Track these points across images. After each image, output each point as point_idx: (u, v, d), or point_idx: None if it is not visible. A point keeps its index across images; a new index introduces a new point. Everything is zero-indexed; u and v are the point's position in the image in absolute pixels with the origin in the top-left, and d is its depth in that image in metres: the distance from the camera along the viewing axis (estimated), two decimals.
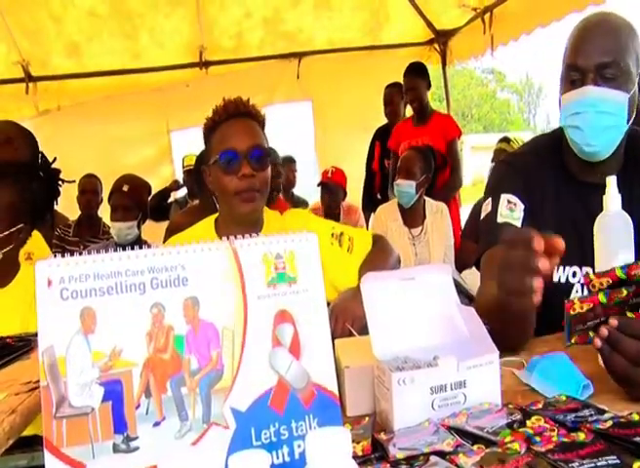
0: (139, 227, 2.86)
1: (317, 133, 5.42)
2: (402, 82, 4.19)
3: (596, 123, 1.28)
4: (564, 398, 0.88)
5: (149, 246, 0.69)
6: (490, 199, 1.42)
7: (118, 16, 4.53)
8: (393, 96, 4.33)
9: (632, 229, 1.13)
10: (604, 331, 0.87)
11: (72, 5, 4.36)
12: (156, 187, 4.24)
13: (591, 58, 1.27)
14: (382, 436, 0.77)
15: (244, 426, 0.65)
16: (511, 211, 1.36)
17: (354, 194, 4.46)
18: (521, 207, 1.37)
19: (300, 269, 0.69)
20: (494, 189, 1.43)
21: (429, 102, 4.09)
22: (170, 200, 4.22)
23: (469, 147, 13.40)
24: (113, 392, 0.62)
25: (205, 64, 5.04)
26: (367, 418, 0.84)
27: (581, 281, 1.36)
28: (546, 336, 1.28)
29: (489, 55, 4.67)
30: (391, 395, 0.77)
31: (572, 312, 1.17)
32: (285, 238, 0.69)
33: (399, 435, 0.76)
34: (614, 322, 0.87)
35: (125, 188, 2.82)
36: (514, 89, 35.32)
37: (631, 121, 1.33)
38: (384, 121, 4.45)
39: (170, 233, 3.22)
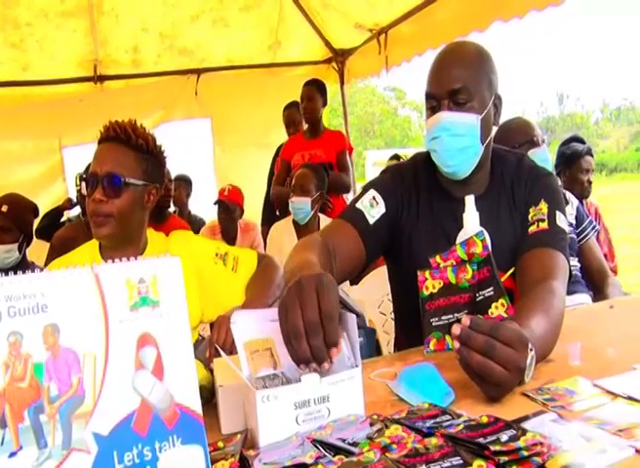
0: (20, 250, 2.68)
1: (216, 150, 5.39)
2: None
3: (450, 145, 1.37)
4: (426, 406, 0.94)
5: (41, 269, 0.68)
6: (363, 189, 1.53)
7: (3, 23, 4.31)
8: (294, 115, 4.36)
9: (489, 245, 1.23)
10: (457, 328, 0.94)
11: None
12: (48, 206, 4.08)
13: (443, 86, 1.37)
14: (251, 452, 0.79)
15: (106, 450, 0.66)
16: (371, 206, 1.46)
17: (255, 211, 4.47)
18: (381, 210, 1.46)
19: (162, 293, 0.71)
20: (369, 184, 1.54)
21: (322, 120, 4.17)
22: (63, 219, 4.06)
23: (371, 163, 13.73)
24: None
25: (100, 79, 4.91)
26: (239, 435, 0.86)
27: None
28: (421, 347, 1.35)
29: (384, 74, 4.87)
30: (256, 412, 0.79)
31: (425, 291, 1.26)
32: (148, 262, 0.71)
33: (266, 450, 0.79)
34: (466, 321, 0.94)
35: (4, 209, 2.63)
36: (414, 106, 36.58)
37: (488, 140, 1.42)
38: (284, 138, 4.48)
39: (52, 248, 3.09)
